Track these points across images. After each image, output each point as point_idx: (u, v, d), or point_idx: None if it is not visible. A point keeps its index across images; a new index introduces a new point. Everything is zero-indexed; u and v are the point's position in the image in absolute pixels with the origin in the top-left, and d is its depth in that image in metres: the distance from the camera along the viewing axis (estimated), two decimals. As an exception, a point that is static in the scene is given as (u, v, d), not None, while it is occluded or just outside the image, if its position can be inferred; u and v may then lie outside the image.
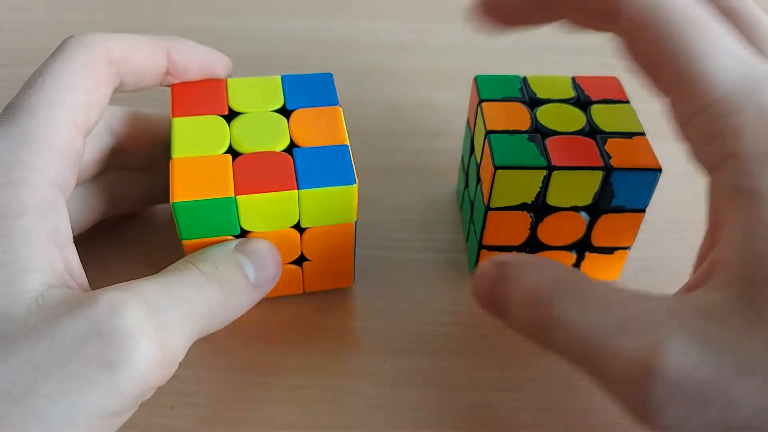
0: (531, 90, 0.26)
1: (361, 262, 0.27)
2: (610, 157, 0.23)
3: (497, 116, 0.24)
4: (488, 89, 0.25)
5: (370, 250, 0.28)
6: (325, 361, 0.24)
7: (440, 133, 0.34)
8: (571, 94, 0.25)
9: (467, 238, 0.28)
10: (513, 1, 0.21)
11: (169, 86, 0.24)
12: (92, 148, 0.24)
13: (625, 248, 0.26)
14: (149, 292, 0.18)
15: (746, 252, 0.15)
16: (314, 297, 0.26)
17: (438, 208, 0.30)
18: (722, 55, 0.17)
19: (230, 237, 0.22)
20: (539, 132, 0.24)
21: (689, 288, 0.18)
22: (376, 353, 0.24)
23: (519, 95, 0.25)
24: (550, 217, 0.24)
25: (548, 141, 0.23)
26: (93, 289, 0.18)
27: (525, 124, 0.24)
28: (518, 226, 0.25)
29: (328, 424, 0.22)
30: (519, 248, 0.25)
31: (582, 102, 0.25)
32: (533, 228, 0.25)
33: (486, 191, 0.24)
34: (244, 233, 0.22)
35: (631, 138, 0.24)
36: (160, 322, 0.18)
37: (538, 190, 0.23)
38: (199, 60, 0.24)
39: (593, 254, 0.26)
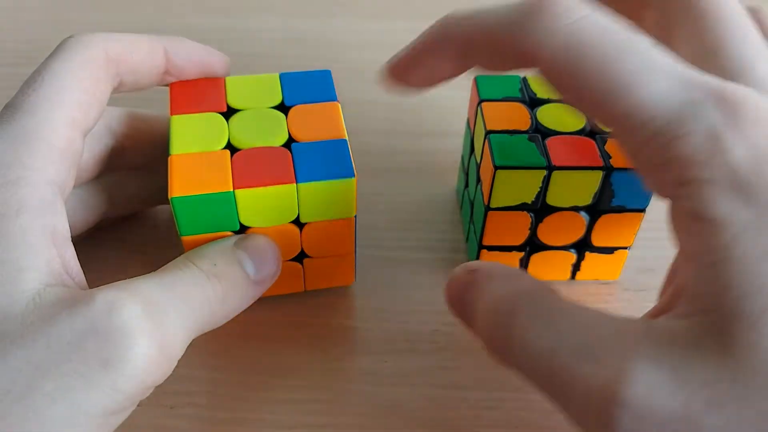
0: (531, 90, 0.26)
1: (360, 262, 0.27)
2: (610, 157, 0.23)
3: (497, 116, 0.24)
4: (488, 89, 0.25)
5: (370, 250, 0.28)
6: (325, 361, 0.24)
7: (440, 133, 0.33)
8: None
9: (467, 238, 0.28)
10: (427, 62, 0.20)
11: (167, 85, 0.24)
12: (91, 149, 0.24)
13: (625, 248, 0.26)
14: (147, 291, 0.18)
15: (710, 280, 0.15)
16: (314, 297, 0.26)
17: (438, 208, 0.30)
18: (658, 80, 0.16)
19: (229, 233, 0.22)
20: (539, 132, 0.24)
21: (656, 312, 0.17)
22: (376, 353, 0.24)
23: (519, 95, 0.25)
24: (550, 217, 0.24)
25: (548, 141, 0.23)
26: (91, 288, 0.18)
27: (525, 124, 0.24)
28: (518, 226, 0.25)
29: (328, 424, 0.22)
30: (519, 248, 0.25)
31: (582, 102, 0.25)
32: (533, 228, 0.25)
33: (486, 191, 0.24)
34: (243, 229, 0.22)
35: (631, 138, 0.24)
36: (157, 320, 0.18)
37: (538, 190, 0.23)
38: (197, 59, 0.24)
39: (593, 254, 0.26)
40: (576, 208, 0.24)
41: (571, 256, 0.26)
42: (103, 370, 0.16)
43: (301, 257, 0.24)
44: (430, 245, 0.28)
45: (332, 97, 0.24)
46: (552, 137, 0.24)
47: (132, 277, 0.19)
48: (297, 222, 0.22)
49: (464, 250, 0.28)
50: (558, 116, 0.24)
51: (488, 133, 0.24)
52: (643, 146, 0.16)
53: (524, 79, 0.26)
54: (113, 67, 0.22)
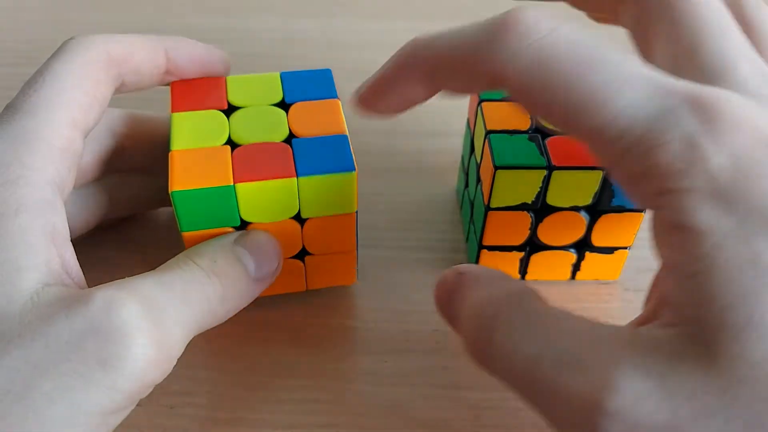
0: (531, 90, 0.26)
1: (361, 262, 0.27)
2: (610, 157, 0.23)
3: (497, 116, 0.24)
4: (488, 89, 0.25)
5: (370, 250, 0.28)
6: (324, 361, 0.24)
7: (440, 133, 0.33)
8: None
9: (467, 238, 0.28)
10: (396, 87, 0.19)
11: (168, 85, 0.24)
12: (92, 150, 0.24)
13: (625, 248, 0.26)
14: (146, 289, 0.18)
15: (693, 291, 0.14)
16: (314, 297, 0.26)
17: (438, 208, 0.30)
18: (630, 90, 0.15)
19: (230, 229, 0.22)
20: (539, 132, 0.24)
21: (642, 321, 0.16)
22: (376, 353, 0.24)
23: (519, 95, 0.25)
24: (550, 217, 0.24)
25: (548, 141, 0.23)
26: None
27: (525, 124, 0.24)
28: (518, 226, 0.25)
29: (328, 424, 0.22)
30: (519, 248, 0.25)
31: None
32: (533, 228, 0.25)
33: (486, 191, 0.24)
34: (244, 225, 0.22)
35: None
36: (156, 318, 0.18)
37: (538, 190, 0.23)
38: (198, 58, 0.24)
39: (593, 254, 0.26)
40: (576, 208, 0.24)
41: (571, 256, 0.26)
42: (101, 370, 0.16)
43: (302, 255, 0.24)
44: (430, 245, 0.28)
45: (333, 95, 0.24)
46: (552, 137, 0.24)
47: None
48: (298, 218, 0.22)
49: (464, 250, 0.28)
50: (558, 116, 0.24)
51: (488, 133, 0.24)
52: (620, 159, 0.16)
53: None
54: (114, 68, 0.22)
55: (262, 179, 0.21)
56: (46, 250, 0.18)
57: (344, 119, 0.23)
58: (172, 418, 0.22)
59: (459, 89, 0.18)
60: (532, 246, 0.25)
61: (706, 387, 0.14)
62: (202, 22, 0.42)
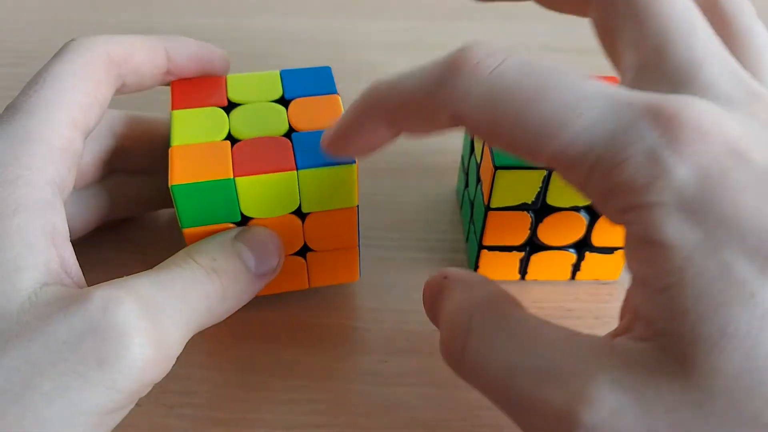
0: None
1: (361, 261, 0.27)
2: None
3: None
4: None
5: (370, 250, 0.28)
6: (325, 361, 0.24)
7: (440, 133, 0.34)
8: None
9: (467, 238, 0.28)
10: (360, 132, 0.19)
11: (169, 85, 0.24)
12: (94, 151, 0.24)
13: (624, 246, 0.25)
14: (144, 288, 0.18)
15: (664, 305, 0.14)
16: (314, 296, 0.26)
17: (438, 208, 0.30)
18: (586, 110, 0.15)
19: (231, 225, 0.22)
20: (539, 132, 0.24)
21: (618, 332, 0.16)
22: (376, 353, 0.24)
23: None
24: (550, 217, 0.24)
25: (548, 141, 0.23)
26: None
27: (525, 124, 0.24)
28: (518, 226, 0.25)
29: (327, 424, 0.22)
30: (519, 248, 0.25)
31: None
32: (533, 228, 0.25)
33: (486, 191, 0.24)
34: (245, 220, 0.22)
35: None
36: (154, 317, 0.18)
37: (538, 190, 0.23)
38: (198, 58, 0.24)
39: (593, 254, 0.26)
40: (576, 208, 0.24)
41: (571, 256, 0.26)
42: (100, 369, 0.16)
43: (304, 251, 0.24)
44: (430, 245, 0.28)
45: (332, 90, 0.24)
46: (552, 137, 0.24)
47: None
48: (299, 213, 0.22)
49: (464, 250, 0.28)
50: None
51: (488, 132, 0.24)
52: (586, 179, 0.15)
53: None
54: (115, 69, 0.22)
55: (262, 173, 0.21)
56: (45, 250, 0.18)
57: None
58: (171, 418, 0.22)
59: (420, 131, 0.18)
60: (532, 246, 0.25)
61: (682, 401, 0.14)
62: (202, 22, 0.42)
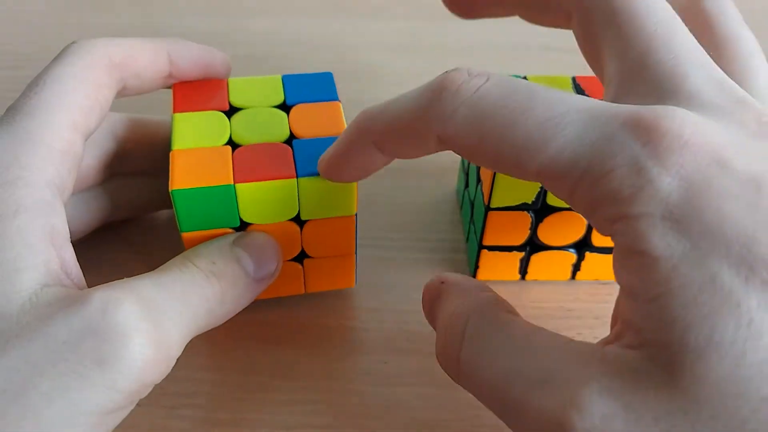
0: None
1: (361, 262, 0.27)
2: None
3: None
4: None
5: (370, 250, 0.28)
6: (324, 361, 0.24)
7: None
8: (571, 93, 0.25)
9: (467, 238, 0.28)
10: (352, 159, 0.20)
11: (170, 88, 0.24)
12: (94, 154, 0.24)
13: (612, 256, 0.25)
14: (144, 290, 0.18)
15: (652, 315, 0.14)
16: (314, 297, 0.26)
17: (438, 208, 0.30)
18: (567, 125, 0.15)
19: (230, 230, 0.22)
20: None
21: (608, 341, 0.16)
22: (376, 353, 0.24)
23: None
24: (550, 217, 0.24)
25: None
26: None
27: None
28: (518, 226, 0.25)
29: (328, 424, 0.22)
30: (519, 248, 0.25)
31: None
32: (533, 228, 0.25)
33: (486, 191, 0.24)
34: (244, 226, 0.22)
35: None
36: (154, 319, 0.18)
37: (539, 189, 0.23)
38: (199, 61, 0.24)
39: (593, 254, 0.26)
40: (576, 208, 0.24)
41: (572, 256, 0.26)
42: (99, 369, 0.16)
43: (301, 257, 0.24)
44: (430, 245, 0.28)
45: (334, 97, 0.24)
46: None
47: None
48: (297, 220, 0.22)
49: (464, 250, 0.28)
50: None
51: (488, 133, 0.24)
52: (572, 193, 0.16)
53: (524, 79, 0.26)
54: (117, 71, 0.22)
55: (262, 179, 0.21)
56: (45, 251, 0.18)
57: (345, 121, 0.23)
58: (171, 419, 0.22)
59: (410, 154, 0.19)
60: (532, 246, 0.25)
61: (670, 408, 0.14)
62: (203, 22, 0.42)
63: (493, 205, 0.24)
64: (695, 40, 0.17)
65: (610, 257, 0.26)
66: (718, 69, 0.17)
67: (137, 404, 0.18)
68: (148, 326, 0.17)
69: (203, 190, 0.20)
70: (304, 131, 0.22)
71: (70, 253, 0.19)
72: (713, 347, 0.13)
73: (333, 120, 0.23)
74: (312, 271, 0.24)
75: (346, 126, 0.23)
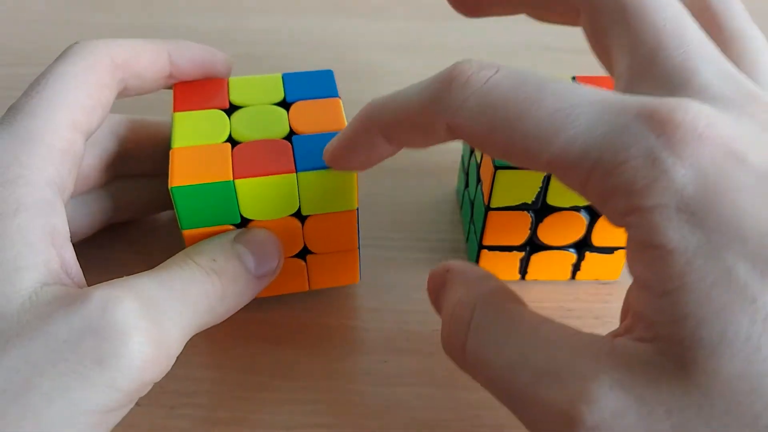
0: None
1: (361, 262, 0.27)
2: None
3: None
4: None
5: (370, 250, 0.28)
6: (325, 361, 0.24)
7: (440, 133, 0.34)
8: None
9: (467, 238, 0.28)
10: (359, 148, 0.20)
11: (171, 88, 0.24)
12: (96, 155, 0.24)
13: (625, 248, 0.25)
14: (144, 288, 0.18)
15: (665, 309, 0.14)
16: (314, 297, 0.26)
17: (438, 208, 0.30)
18: (579, 116, 0.15)
19: (231, 227, 0.22)
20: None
21: (618, 333, 0.16)
22: (376, 353, 0.24)
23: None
24: (550, 217, 0.24)
25: (548, 141, 0.23)
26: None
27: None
28: (518, 226, 0.25)
29: (328, 424, 0.22)
30: (519, 248, 0.25)
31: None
32: (533, 228, 0.25)
33: (486, 191, 0.24)
34: (244, 222, 0.22)
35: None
36: (154, 317, 0.18)
37: (539, 190, 0.23)
38: (200, 61, 0.24)
39: (593, 254, 0.26)
40: (576, 208, 0.24)
41: (572, 256, 0.26)
42: (99, 368, 0.16)
43: (304, 254, 0.24)
44: (430, 245, 0.28)
45: (334, 94, 0.24)
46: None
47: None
48: (299, 215, 0.22)
49: (464, 250, 0.28)
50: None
51: (488, 133, 0.24)
52: (584, 184, 0.15)
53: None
54: (118, 72, 0.22)
55: (262, 175, 0.21)
56: (45, 250, 0.18)
57: (344, 117, 0.23)
58: (171, 418, 0.22)
59: (418, 144, 0.19)
60: (532, 246, 0.25)
61: (683, 403, 0.14)
62: (202, 22, 0.42)
63: (493, 205, 0.24)
64: (705, 35, 0.17)
65: (610, 257, 0.26)
66: (728, 63, 0.16)
67: (137, 404, 0.18)
68: (148, 324, 0.17)
69: (202, 187, 0.20)
70: (303, 127, 0.23)
71: (70, 253, 0.19)
72: (727, 342, 0.13)
73: (333, 116, 0.23)
74: (315, 267, 0.24)
75: (346, 122, 0.23)
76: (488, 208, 0.24)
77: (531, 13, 0.21)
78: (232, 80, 0.25)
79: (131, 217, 0.28)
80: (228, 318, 0.21)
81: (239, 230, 0.22)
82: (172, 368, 0.18)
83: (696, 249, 0.14)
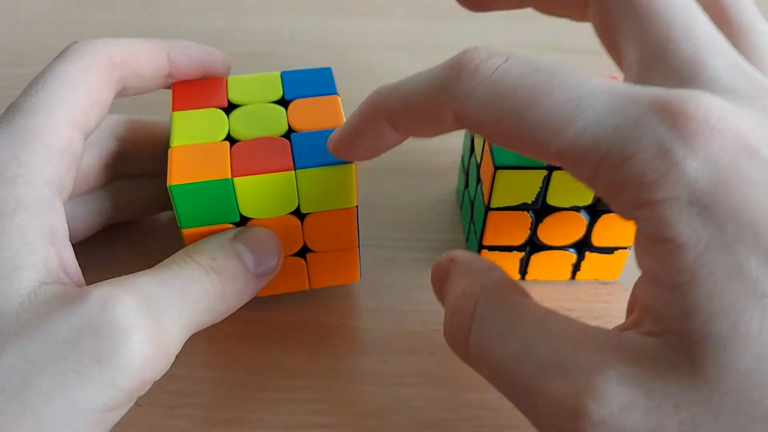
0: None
1: (361, 261, 0.27)
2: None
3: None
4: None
5: (370, 250, 0.28)
6: (325, 361, 0.24)
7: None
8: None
9: (467, 238, 0.28)
10: (365, 137, 0.19)
11: (170, 88, 0.24)
12: (96, 155, 0.24)
13: (625, 248, 0.25)
14: (143, 286, 0.18)
15: (675, 303, 0.14)
16: (315, 297, 0.26)
17: (438, 208, 0.30)
18: (589, 107, 0.15)
19: (230, 225, 0.22)
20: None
21: (625, 327, 0.16)
22: (376, 353, 0.24)
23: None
24: (550, 217, 0.24)
25: (548, 141, 0.23)
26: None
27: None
28: (518, 226, 0.25)
29: (328, 424, 0.22)
30: (519, 248, 0.25)
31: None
32: (533, 228, 0.25)
33: (486, 191, 0.24)
34: (244, 221, 0.22)
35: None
36: (153, 315, 0.18)
37: (538, 190, 0.23)
38: (199, 60, 0.24)
39: (593, 254, 0.26)
40: (576, 208, 0.24)
41: (571, 256, 0.26)
42: (98, 367, 0.16)
43: (303, 252, 0.24)
44: (430, 245, 0.28)
45: (332, 91, 0.24)
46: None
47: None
48: (298, 213, 0.22)
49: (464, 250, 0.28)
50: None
51: (488, 132, 0.24)
52: (594, 175, 0.15)
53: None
54: (117, 71, 0.22)
55: (260, 173, 0.21)
56: (44, 249, 0.18)
57: (343, 114, 0.23)
58: (171, 418, 0.22)
59: (425, 133, 0.18)
60: (532, 246, 0.25)
61: (691, 398, 0.14)
62: (202, 22, 0.42)
63: (493, 205, 0.24)
64: (715, 28, 0.17)
65: (610, 257, 0.26)
66: (739, 56, 0.16)
67: (137, 404, 0.18)
68: (148, 323, 0.17)
69: (201, 185, 0.20)
70: (302, 125, 0.22)
71: (69, 252, 0.19)
72: (737, 338, 0.13)
73: (332, 114, 0.23)
74: (315, 265, 0.24)
75: (344, 118, 0.23)
76: (488, 208, 0.24)
77: (537, 7, 0.21)
78: (231, 79, 0.25)
79: (131, 217, 0.28)
80: (228, 317, 0.21)
81: (238, 229, 0.22)
82: (172, 368, 0.18)
83: (707, 243, 0.14)
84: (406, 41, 0.40)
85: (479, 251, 0.26)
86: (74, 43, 0.22)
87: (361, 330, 0.25)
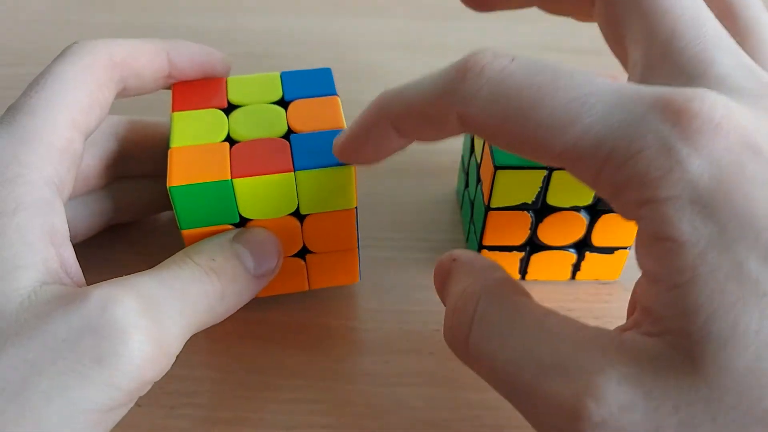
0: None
1: (361, 262, 0.27)
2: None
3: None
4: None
5: (370, 250, 0.28)
6: (325, 361, 0.24)
7: (440, 133, 0.34)
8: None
9: (467, 238, 0.28)
10: (369, 141, 0.20)
11: (170, 88, 0.24)
12: (97, 155, 0.24)
13: (625, 248, 0.26)
14: (143, 287, 0.18)
15: (676, 303, 0.14)
16: (314, 297, 0.26)
17: (438, 208, 0.30)
18: (593, 106, 0.15)
19: (230, 226, 0.22)
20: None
21: (626, 328, 0.16)
22: (377, 353, 0.24)
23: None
24: (550, 217, 0.24)
25: (548, 141, 0.23)
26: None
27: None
28: (518, 226, 0.25)
29: (328, 424, 0.22)
30: (519, 248, 0.25)
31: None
32: (533, 228, 0.25)
33: (486, 191, 0.24)
34: (243, 222, 0.22)
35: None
36: (153, 315, 0.18)
37: (539, 190, 0.23)
38: (199, 61, 0.24)
39: (593, 254, 0.26)
40: (576, 208, 0.24)
41: (572, 256, 0.26)
42: (98, 367, 0.16)
43: (303, 253, 0.24)
44: (430, 245, 0.28)
45: (332, 92, 0.24)
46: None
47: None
48: (297, 214, 0.22)
49: (464, 250, 0.28)
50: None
51: (488, 133, 0.24)
52: (597, 175, 0.15)
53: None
54: (117, 71, 0.22)
55: (260, 174, 0.21)
56: (44, 249, 0.18)
57: (343, 115, 0.23)
58: (172, 418, 0.22)
59: (429, 136, 0.18)
60: (532, 246, 0.25)
61: (691, 398, 0.14)
62: (202, 22, 0.42)
63: (493, 205, 0.24)
64: (721, 26, 0.17)
65: (610, 257, 0.26)
66: (745, 54, 0.16)
67: (137, 404, 0.18)
68: (148, 323, 0.17)
69: (201, 186, 0.20)
70: (302, 126, 0.22)
71: (69, 252, 0.19)
72: (737, 337, 0.13)
73: (331, 114, 0.23)
74: (315, 266, 0.24)
75: (344, 121, 0.23)
76: (488, 208, 0.24)
77: (543, 5, 0.21)
78: (231, 79, 0.25)
79: (132, 218, 0.28)
80: (228, 318, 0.21)
81: (238, 230, 0.22)
82: (172, 368, 0.18)
83: (708, 242, 0.14)
84: (406, 41, 0.40)
85: (479, 251, 0.26)
86: (74, 43, 0.22)
87: (360, 330, 0.25)
